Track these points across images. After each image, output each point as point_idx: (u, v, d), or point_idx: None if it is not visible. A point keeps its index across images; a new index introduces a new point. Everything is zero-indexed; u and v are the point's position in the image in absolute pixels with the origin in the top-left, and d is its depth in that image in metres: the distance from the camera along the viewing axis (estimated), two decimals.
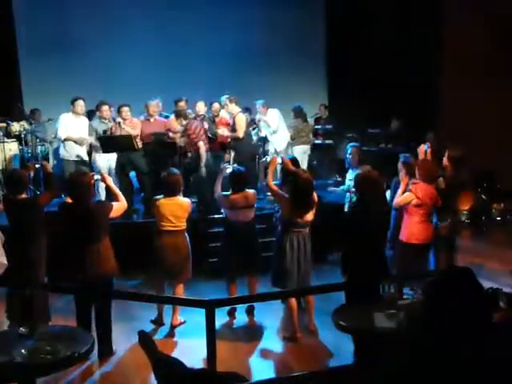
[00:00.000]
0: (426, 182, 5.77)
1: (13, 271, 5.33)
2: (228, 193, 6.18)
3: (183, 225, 5.94)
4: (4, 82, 10.46)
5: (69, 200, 5.24)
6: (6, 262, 6.11)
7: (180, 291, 5.96)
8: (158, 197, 6.01)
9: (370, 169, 6.20)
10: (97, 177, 5.43)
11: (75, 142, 8.42)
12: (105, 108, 8.66)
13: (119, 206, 5.37)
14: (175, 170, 6.12)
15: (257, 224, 6.45)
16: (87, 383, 4.88)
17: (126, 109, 8.53)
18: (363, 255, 4.90)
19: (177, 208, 5.88)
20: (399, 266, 5.83)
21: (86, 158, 8.60)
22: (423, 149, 6.33)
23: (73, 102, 8.39)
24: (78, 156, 8.43)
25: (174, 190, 5.90)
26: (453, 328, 2.07)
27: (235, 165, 6.53)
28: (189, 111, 9.08)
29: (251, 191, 6.23)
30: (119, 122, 8.34)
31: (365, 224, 4.99)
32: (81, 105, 8.42)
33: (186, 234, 6.01)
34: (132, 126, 8.45)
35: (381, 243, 5.29)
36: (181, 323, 5.98)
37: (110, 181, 5.66)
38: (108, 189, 5.91)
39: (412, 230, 5.77)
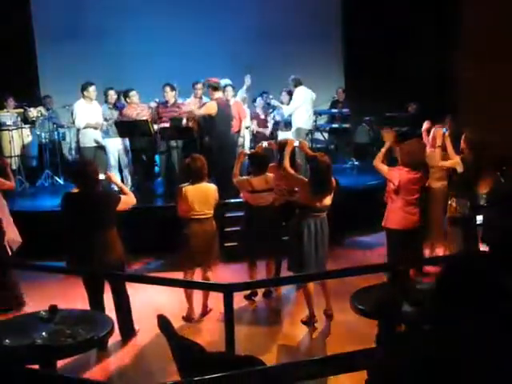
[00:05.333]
0: (407, 167, 5.65)
1: None
2: (247, 177, 6.16)
3: (211, 212, 5.76)
4: (21, 68, 10.51)
5: (74, 190, 5.21)
6: (20, 239, 6.25)
7: (211, 277, 5.84)
8: (183, 184, 5.75)
9: None
10: (102, 176, 5.34)
11: (95, 127, 8.51)
12: (111, 93, 8.75)
13: (127, 199, 5.27)
14: (199, 155, 5.93)
15: None
16: (107, 366, 4.93)
17: (133, 93, 8.62)
18: None
19: (204, 195, 5.69)
20: (388, 251, 5.85)
21: (103, 142, 8.69)
22: (440, 132, 6.24)
23: (86, 88, 8.43)
24: (95, 141, 8.52)
25: (201, 175, 5.70)
26: (461, 314, 2.04)
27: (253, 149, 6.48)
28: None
29: (270, 174, 6.17)
30: (151, 107, 8.47)
31: None
32: (94, 90, 8.48)
33: (214, 221, 5.84)
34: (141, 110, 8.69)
35: None
36: (210, 310, 5.91)
37: (115, 178, 5.66)
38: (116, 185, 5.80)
39: (392, 215, 5.72)
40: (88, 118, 8.46)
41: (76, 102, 8.60)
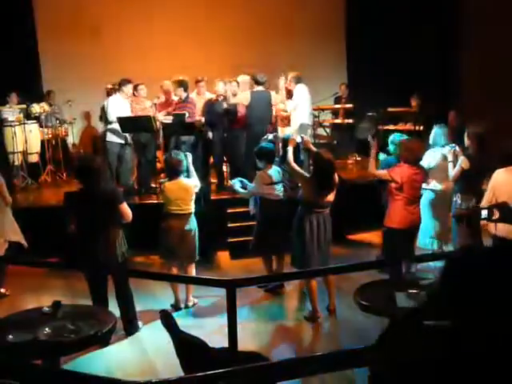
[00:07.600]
0: (407, 163, 5.61)
1: None
2: (261, 171, 6.20)
3: (189, 208, 5.87)
4: (24, 64, 10.48)
5: (76, 188, 5.20)
6: (24, 241, 6.24)
7: (191, 271, 5.98)
8: (163, 180, 6.06)
9: None
10: None
11: None
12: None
13: (127, 209, 5.17)
14: (177, 152, 6.03)
15: None
16: (110, 361, 4.94)
17: (141, 87, 8.61)
18: None
19: (181, 191, 5.82)
20: (385, 250, 5.83)
21: (129, 140, 8.62)
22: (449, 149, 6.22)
23: (125, 84, 8.44)
24: (123, 138, 8.47)
25: (176, 171, 5.83)
26: (468, 309, 2.03)
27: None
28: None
29: (276, 167, 6.31)
30: (155, 104, 8.48)
31: None
32: (131, 88, 8.51)
33: (194, 218, 5.93)
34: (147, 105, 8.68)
35: None
36: (194, 304, 6.04)
37: None
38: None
39: (394, 214, 5.66)
40: (123, 113, 8.42)
41: (110, 97, 8.59)
